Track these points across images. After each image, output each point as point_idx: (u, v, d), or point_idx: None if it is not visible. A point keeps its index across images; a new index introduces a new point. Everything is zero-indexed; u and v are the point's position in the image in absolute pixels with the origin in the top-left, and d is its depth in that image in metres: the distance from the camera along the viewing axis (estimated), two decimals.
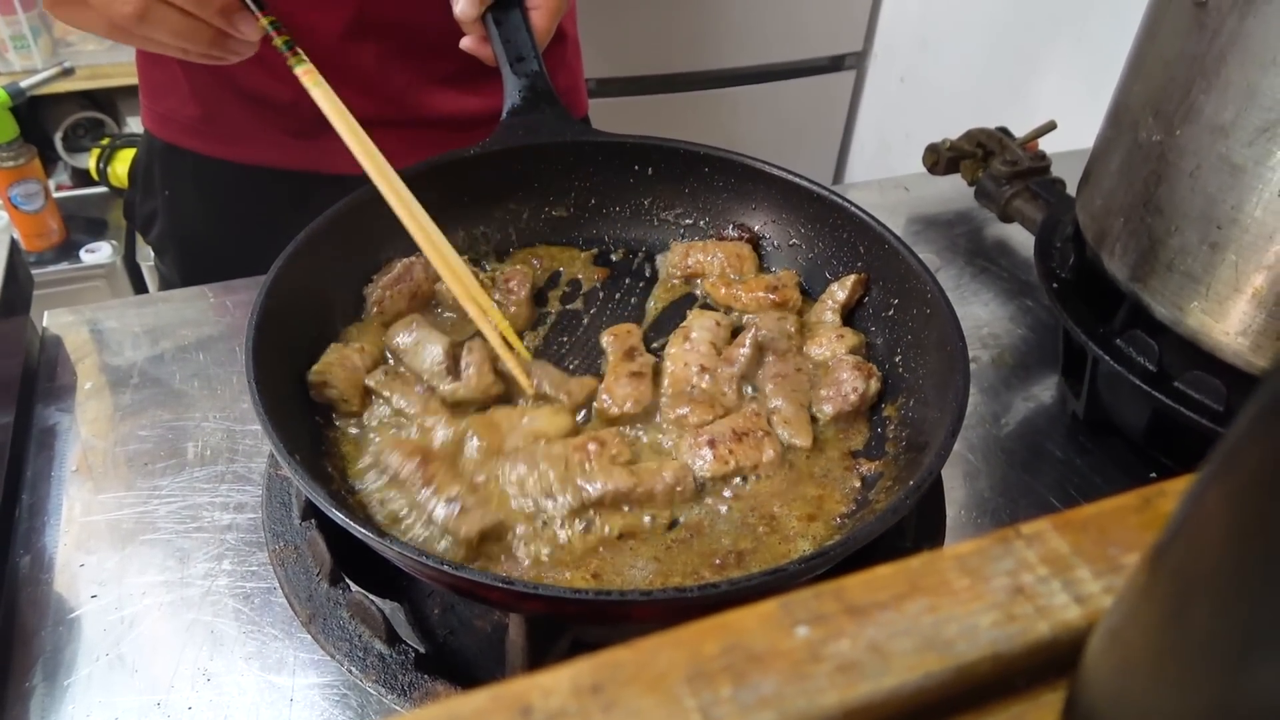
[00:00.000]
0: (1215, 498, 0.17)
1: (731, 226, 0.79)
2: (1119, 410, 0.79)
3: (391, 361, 0.68)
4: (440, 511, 0.56)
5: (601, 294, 0.77)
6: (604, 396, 0.66)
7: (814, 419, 0.67)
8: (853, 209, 0.73)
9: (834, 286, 0.74)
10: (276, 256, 0.64)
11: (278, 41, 0.69)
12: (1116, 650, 0.19)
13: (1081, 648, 0.21)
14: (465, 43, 0.82)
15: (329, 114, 0.69)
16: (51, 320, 0.90)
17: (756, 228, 0.79)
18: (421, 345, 0.67)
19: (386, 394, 0.65)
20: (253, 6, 0.69)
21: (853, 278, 0.73)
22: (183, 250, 1.13)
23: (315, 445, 0.62)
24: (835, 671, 0.20)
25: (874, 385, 0.67)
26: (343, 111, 0.69)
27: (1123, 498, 0.24)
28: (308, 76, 0.69)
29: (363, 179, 0.68)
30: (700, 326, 0.71)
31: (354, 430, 0.64)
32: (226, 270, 0.96)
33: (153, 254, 1.21)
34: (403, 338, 0.68)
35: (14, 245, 0.88)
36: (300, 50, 0.70)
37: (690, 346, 0.69)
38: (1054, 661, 0.22)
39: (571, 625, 0.54)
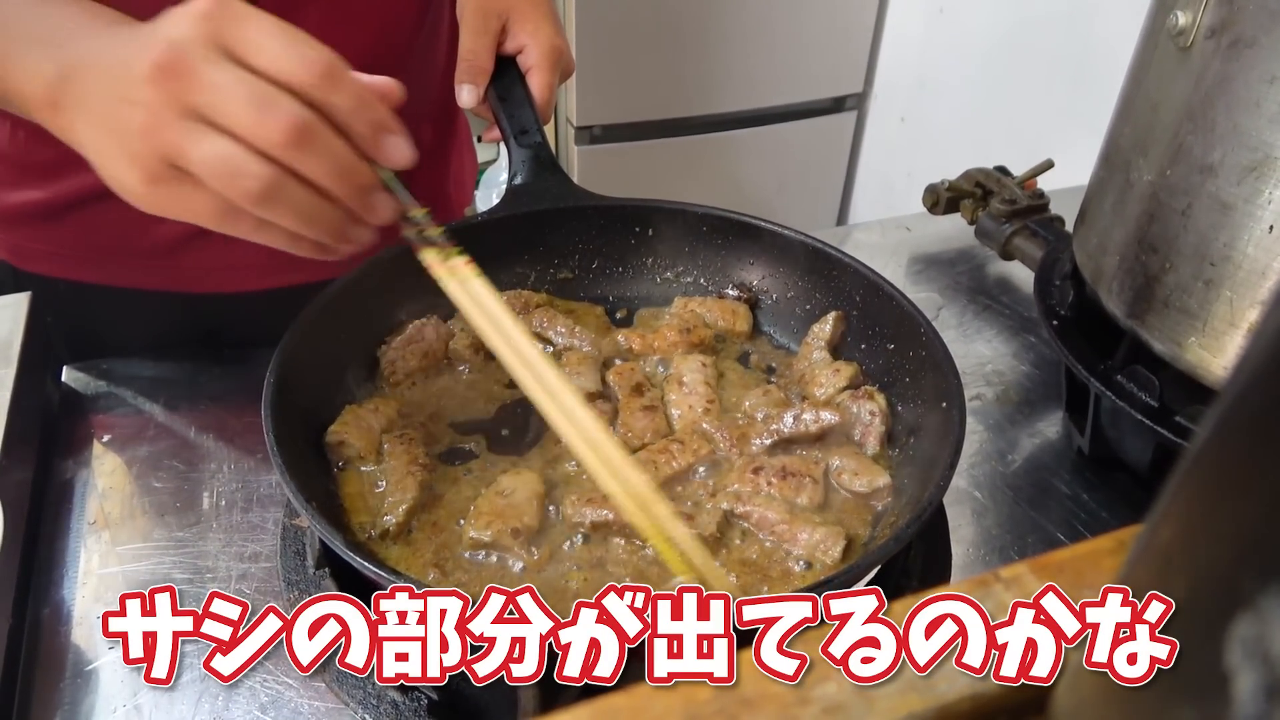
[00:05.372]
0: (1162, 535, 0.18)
1: (732, 286, 0.81)
2: (1123, 445, 0.79)
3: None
4: None
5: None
6: (622, 430, 0.69)
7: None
8: (844, 258, 0.75)
9: (816, 327, 0.76)
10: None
11: (433, 232, 0.59)
12: (1075, 692, 0.19)
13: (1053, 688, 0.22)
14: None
15: (465, 310, 0.59)
16: (69, 374, 0.91)
17: (755, 282, 0.81)
18: None
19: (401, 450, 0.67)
20: (400, 190, 0.57)
21: (833, 314, 0.75)
22: None
23: (329, 494, 0.64)
24: (822, 714, 0.21)
25: (880, 397, 0.69)
26: (486, 311, 0.59)
27: (1098, 541, 0.24)
28: (451, 273, 0.59)
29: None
30: (689, 370, 0.73)
31: (367, 469, 0.67)
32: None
33: None
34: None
35: (34, 301, 0.90)
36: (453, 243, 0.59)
37: (688, 390, 0.71)
38: (1032, 701, 0.22)
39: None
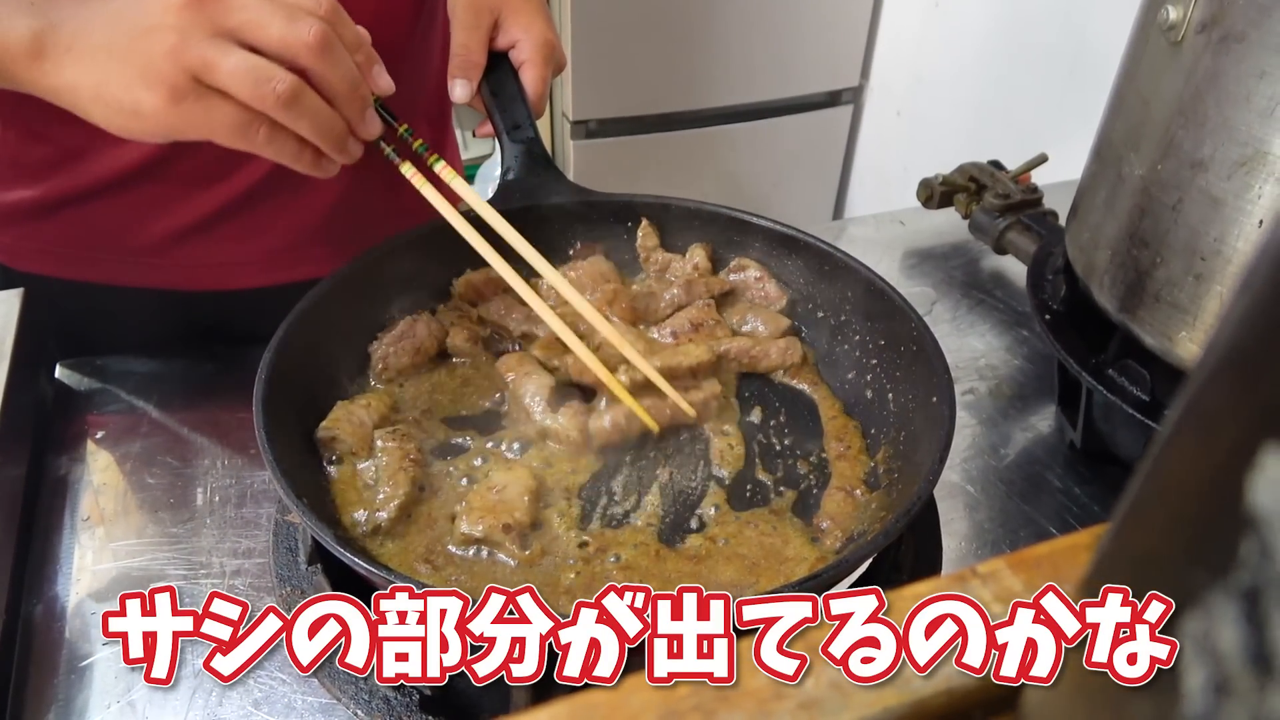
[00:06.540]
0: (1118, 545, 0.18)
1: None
2: (1115, 439, 0.79)
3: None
4: None
5: None
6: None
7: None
8: (836, 253, 0.75)
9: (640, 237, 0.81)
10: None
11: (416, 146, 0.70)
12: (1043, 689, 0.20)
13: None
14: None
15: (440, 209, 0.70)
16: (63, 371, 0.91)
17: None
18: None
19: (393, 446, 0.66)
20: (383, 111, 0.67)
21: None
22: None
23: (322, 490, 0.64)
24: (798, 709, 0.21)
25: (750, 262, 0.78)
26: (451, 211, 0.71)
27: (1075, 536, 0.25)
28: (415, 177, 0.70)
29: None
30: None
31: (359, 465, 0.66)
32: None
33: None
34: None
35: (27, 297, 0.90)
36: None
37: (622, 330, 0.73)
38: (1008, 696, 0.23)
39: None
